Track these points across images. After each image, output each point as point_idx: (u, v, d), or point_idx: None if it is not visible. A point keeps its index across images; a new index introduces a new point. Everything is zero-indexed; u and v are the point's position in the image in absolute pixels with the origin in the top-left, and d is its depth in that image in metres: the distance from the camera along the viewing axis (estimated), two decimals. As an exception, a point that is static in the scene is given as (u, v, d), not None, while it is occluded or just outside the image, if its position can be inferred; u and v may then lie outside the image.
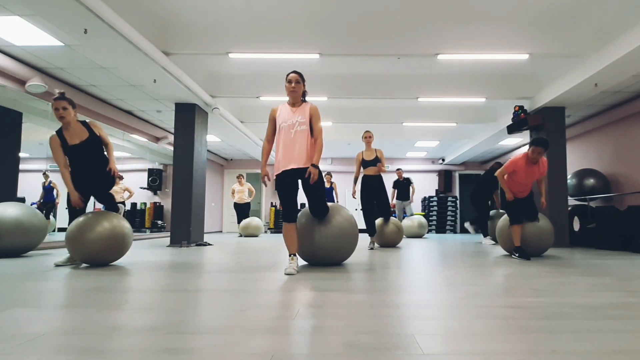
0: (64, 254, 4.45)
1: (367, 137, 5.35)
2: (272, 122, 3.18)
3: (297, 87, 3.09)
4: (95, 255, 3.26)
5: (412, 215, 8.94)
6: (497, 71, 6.12)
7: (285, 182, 3.06)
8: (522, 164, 4.08)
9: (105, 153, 3.58)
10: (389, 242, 5.70)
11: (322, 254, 3.32)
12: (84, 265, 3.41)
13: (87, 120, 3.51)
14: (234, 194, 9.28)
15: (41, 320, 1.58)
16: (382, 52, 4.75)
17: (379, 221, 5.71)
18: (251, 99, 7.31)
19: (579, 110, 7.02)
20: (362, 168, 5.42)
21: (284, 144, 3.04)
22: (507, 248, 4.47)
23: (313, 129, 3.10)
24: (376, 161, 5.31)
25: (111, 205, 3.73)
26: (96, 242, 3.22)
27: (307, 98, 3.26)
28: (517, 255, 3.97)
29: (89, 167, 3.47)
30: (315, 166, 2.99)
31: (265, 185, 3.13)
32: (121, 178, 8.37)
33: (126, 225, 3.48)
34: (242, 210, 9.33)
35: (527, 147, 4.21)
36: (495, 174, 4.34)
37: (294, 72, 3.14)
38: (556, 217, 6.03)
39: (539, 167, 4.12)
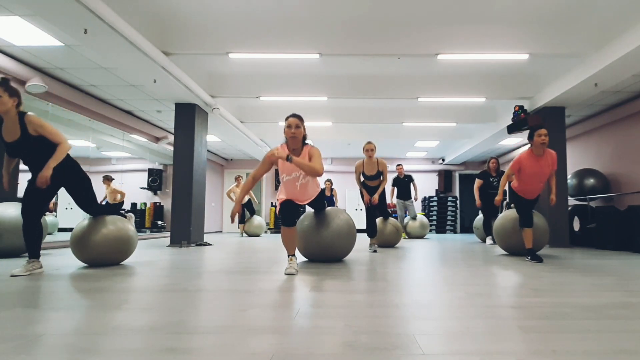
0: (63, 254, 4.45)
1: (370, 150, 4.91)
2: (268, 165, 2.95)
3: (297, 132, 2.95)
4: (101, 256, 3.29)
5: (415, 217, 8.45)
6: (497, 71, 6.12)
7: (290, 207, 3.12)
8: (527, 159, 3.86)
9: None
10: (388, 242, 5.73)
11: (323, 251, 3.61)
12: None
13: (27, 113, 2.79)
14: (231, 194, 9.27)
15: (41, 320, 1.57)
16: (382, 52, 4.74)
17: (378, 221, 5.69)
18: (251, 99, 7.31)
19: (579, 110, 7.01)
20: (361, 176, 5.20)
21: (290, 191, 3.11)
22: (505, 247, 4.46)
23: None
24: (378, 176, 5.06)
25: (96, 210, 3.29)
26: (101, 244, 3.25)
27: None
28: (529, 258, 3.89)
29: (37, 171, 2.89)
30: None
31: (232, 222, 2.93)
32: (112, 179, 8.35)
33: (130, 227, 3.47)
34: (245, 208, 9.32)
35: (527, 146, 4.08)
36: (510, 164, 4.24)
37: (294, 115, 2.97)
38: (556, 217, 6.03)
39: (546, 160, 3.85)
